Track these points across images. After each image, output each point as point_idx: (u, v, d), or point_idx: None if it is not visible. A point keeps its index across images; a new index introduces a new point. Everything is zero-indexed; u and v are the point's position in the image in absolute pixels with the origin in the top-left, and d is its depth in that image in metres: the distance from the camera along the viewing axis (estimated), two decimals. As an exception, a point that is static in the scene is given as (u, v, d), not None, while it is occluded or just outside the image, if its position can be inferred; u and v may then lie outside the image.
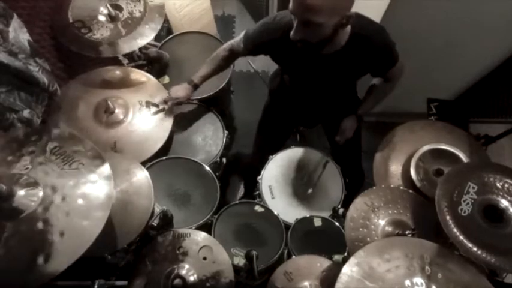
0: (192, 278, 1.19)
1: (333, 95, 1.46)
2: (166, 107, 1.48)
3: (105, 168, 0.98)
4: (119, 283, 1.16)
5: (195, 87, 1.49)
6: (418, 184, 1.30)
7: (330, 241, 1.41)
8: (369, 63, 1.25)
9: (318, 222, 1.47)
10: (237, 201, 1.51)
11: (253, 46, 1.31)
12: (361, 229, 1.18)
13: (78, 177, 0.95)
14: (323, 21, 1.00)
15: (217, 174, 1.55)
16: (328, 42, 1.10)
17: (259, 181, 1.58)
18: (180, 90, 1.49)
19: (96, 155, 1.00)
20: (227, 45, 1.42)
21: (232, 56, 1.43)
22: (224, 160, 1.69)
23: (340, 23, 1.04)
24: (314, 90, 1.42)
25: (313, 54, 1.18)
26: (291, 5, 1.01)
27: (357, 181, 1.73)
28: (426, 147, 1.36)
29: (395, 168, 1.43)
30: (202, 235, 1.28)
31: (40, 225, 0.87)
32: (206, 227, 1.41)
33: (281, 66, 1.44)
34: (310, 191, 1.56)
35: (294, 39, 1.06)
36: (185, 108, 1.68)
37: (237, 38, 1.37)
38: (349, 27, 1.13)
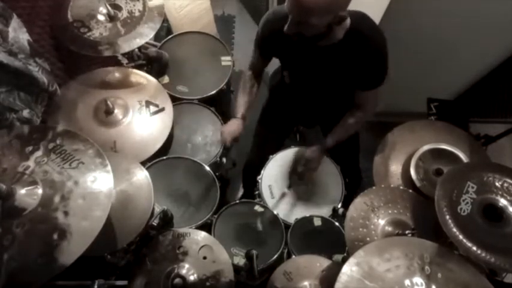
0: (192, 278, 1.19)
1: (331, 93, 1.46)
2: (228, 145, 1.43)
3: (106, 167, 0.98)
4: (119, 283, 1.15)
5: (244, 118, 1.45)
6: (417, 184, 1.30)
7: (330, 241, 1.41)
8: (360, 64, 1.23)
9: (317, 222, 1.47)
10: (237, 201, 1.51)
11: (260, 45, 1.36)
12: (361, 229, 1.18)
13: (78, 176, 0.95)
14: (316, 22, 1.03)
15: (217, 174, 1.55)
16: (323, 37, 1.12)
17: (259, 181, 1.58)
18: (233, 127, 1.43)
19: (96, 154, 1.00)
20: (248, 65, 1.49)
21: (255, 71, 1.48)
22: (224, 160, 1.69)
23: (333, 21, 1.06)
24: (312, 87, 1.42)
25: (310, 46, 1.20)
26: (286, 3, 1.04)
27: (354, 182, 1.73)
28: (426, 147, 1.36)
29: (395, 168, 1.43)
30: (202, 234, 1.29)
31: (41, 224, 0.87)
32: (206, 227, 1.41)
33: (281, 60, 1.45)
34: (304, 187, 1.56)
35: (288, 33, 1.09)
36: (185, 108, 1.69)
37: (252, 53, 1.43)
38: (347, 23, 1.14)
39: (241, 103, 1.46)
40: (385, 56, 1.21)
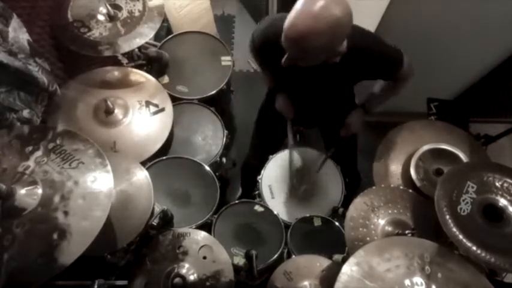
0: (192, 277, 1.19)
1: (330, 100, 1.46)
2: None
3: (106, 167, 0.98)
4: (118, 283, 1.16)
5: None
6: (417, 184, 1.30)
7: (330, 241, 1.41)
8: (370, 71, 1.24)
9: (317, 222, 1.47)
10: (237, 201, 1.51)
11: (256, 51, 1.34)
12: (361, 229, 1.18)
13: (78, 176, 0.95)
14: (314, 59, 1.04)
15: (217, 174, 1.55)
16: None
17: (259, 181, 1.58)
18: (286, 107, 1.49)
19: (96, 154, 1.00)
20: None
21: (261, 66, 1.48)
22: (224, 160, 1.69)
23: (330, 56, 1.06)
24: (311, 97, 1.42)
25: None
26: (284, 41, 1.01)
27: (352, 182, 1.73)
28: (426, 147, 1.36)
29: (395, 168, 1.43)
30: (202, 234, 1.29)
31: (41, 224, 0.87)
32: (206, 227, 1.41)
33: (277, 75, 1.45)
34: (304, 187, 1.57)
35: (285, 65, 1.07)
36: (185, 108, 1.69)
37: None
38: (344, 46, 1.12)
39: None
40: (387, 51, 1.19)
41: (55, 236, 0.86)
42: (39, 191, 0.92)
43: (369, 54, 1.16)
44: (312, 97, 1.42)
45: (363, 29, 1.18)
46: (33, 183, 0.93)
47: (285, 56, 1.06)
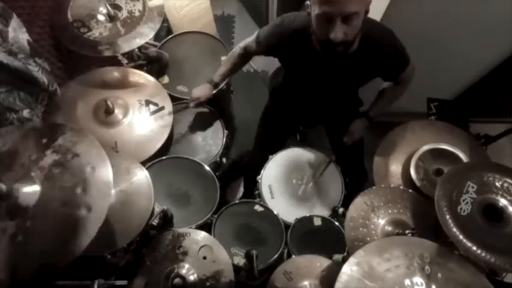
0: (192, 278, 1.19)
1: (337, 96, 1.47)
2: (190, 106, 1.57)
3: (106, 165, 0.97)
4: (118, 283, 1.15)
5: (215, 86, 1.56)
6: (418, 184, 1.30)
7: (330, 241, 1.41)
8: (379, 67, 1.26)
9: (317, 222, 1.47)
10: (237, 201, 1.51)
11: (265, 47, 1.35)
12: (361, 229, 1.18)
13: (79, 174, 0.95)
14: (359, 9, 1.02)
15: (217, 174, 1.55)
16: (355, 39, 1.11)
17: (259, 181, 1.58)
18: (201, 90, 1.55)
19: (97, 152, 1.00)
20: (242, 43, 1.48)
21: (246, 54, 1.48)
22: (224, 160, 1.69)
23: (366, 10, 1.06)
24: (319, 92, 1.42)
25: (335, 58, 1.17)
26: (323, 8, 1.00)
27: (359, 180, 1.73)
28: (426, 147, 1.36)
29: (395, 168, 1.43)
30: (202, 234, 1.29)
31: (40, 223, 0.87)
32: (206, 227, 1.41)
33: (288, 69, 1.45)
34: (310, 185, 1.57)
35: (336, 39, 1.04)
36: (185, 109, 1.69)
37: (251, 37, 1.42)
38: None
39: (220, 72, 1.55)
40: (399, 47, 1.23)
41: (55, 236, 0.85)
42: (38, 189, 0.91)
43: (380, 46, 1.18)
44: (319, 93, 1.42)
45: (378, 22, 1.21)
46: (34, 182, 0.92)
47: (333, 28, 1.01)
